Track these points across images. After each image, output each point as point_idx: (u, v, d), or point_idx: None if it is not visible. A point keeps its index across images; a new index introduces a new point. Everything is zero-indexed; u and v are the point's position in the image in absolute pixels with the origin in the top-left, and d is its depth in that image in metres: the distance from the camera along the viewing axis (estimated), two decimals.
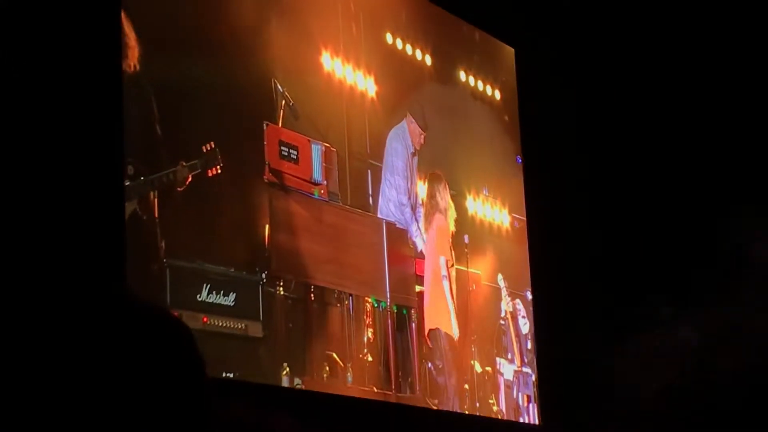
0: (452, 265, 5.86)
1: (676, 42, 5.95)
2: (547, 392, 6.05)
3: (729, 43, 5.86)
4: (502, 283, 6.30)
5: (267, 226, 4.82)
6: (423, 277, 5.74)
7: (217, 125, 4.55)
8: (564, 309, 6.15)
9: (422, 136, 5.69)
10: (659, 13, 5.97)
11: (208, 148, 4.60)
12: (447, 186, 5.85)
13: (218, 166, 4.60)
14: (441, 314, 5.69)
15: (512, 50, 6.29)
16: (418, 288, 5.73)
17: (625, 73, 6.14)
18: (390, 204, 5.59)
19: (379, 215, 5.52)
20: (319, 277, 5.06)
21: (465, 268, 6.07)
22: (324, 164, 5.00)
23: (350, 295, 5.17)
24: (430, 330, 5.65)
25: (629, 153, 6.10)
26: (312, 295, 4.94)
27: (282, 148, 4.81)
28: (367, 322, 5.15)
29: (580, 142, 6.24)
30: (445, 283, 5.83)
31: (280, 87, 4.85)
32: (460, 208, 6.11)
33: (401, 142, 5.58)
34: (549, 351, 6.07)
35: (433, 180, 5.86)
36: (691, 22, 5.90)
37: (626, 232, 6.13)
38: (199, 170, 4.55)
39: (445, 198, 5.92)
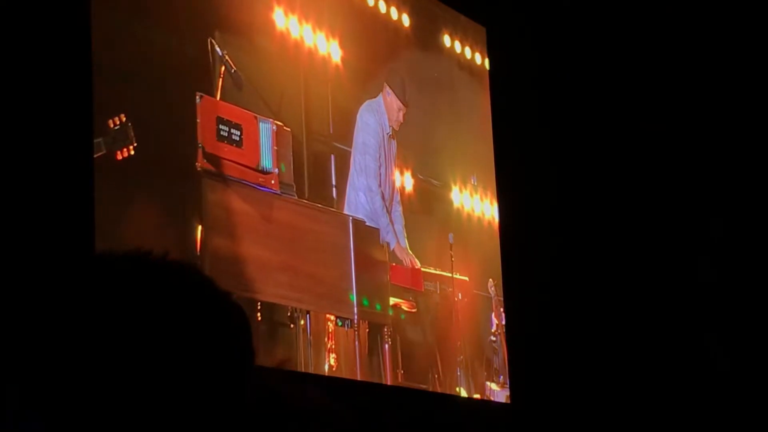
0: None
1: (658, 29, 5.81)
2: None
3: (711, 30, 5.77)
4: (492, 291, 5.52)
5: (199, 227, 4.02)
6: (400, 287, 4.95)
7: (132, 94, 3.81)
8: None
9: (401, 113, 5.05)
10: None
11: (117, 123, 3.59)
12: None
13: (130, 147, 3.60)
14: None
15: (483, 28, 5.72)
16: (393, 300, 4.90)
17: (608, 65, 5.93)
18: (359, 194, 4.81)
19: (346, 210, 4.74)
20: (267, 290, 4.20)
21: (450, 275, 5.27)
22: (275, 147, 4.33)
23: (308, 312, 4.45)
24: None
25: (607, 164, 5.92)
26: (258, 313, 4.21)
27: (220, 126, 4.12)
28: (329, 345, 4.47)
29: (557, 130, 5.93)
30: None
31: (218, 49, 4.15)
32: (445, 202, 5.38)
33: (374, 116, 4.92)
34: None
35: None
36: (670, 7, 5.74)
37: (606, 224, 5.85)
38: (104, 151, 3.61)
39: None
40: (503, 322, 5.57)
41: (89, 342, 1.04)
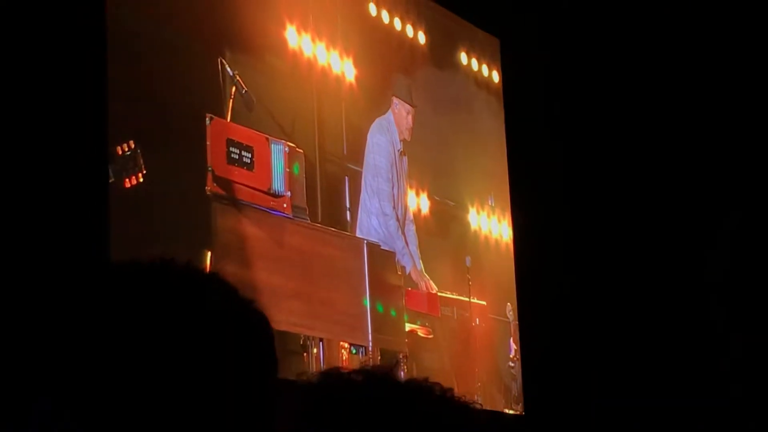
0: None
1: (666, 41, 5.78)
2: None
3: (729, 41, 5.69)
4: (510, 316, 5.38)
5: (209, 253, 3.88)
6: (416, 312, 4.80)
7: (141, 118, 3.67)
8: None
9: (410, 116, 4.90)
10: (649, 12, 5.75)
11: (125, 150, 3.46)
12: None
13: (139, 174, 3.46)
14: None
15: (497, 40, 5.62)
16: (409, 326, 4.74)
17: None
18: (372, 218, 4.67)
19: (358, 233, 4.59)
20: (279, 318, 4.03)
21: (467, 299, 5.14)
22: (287, 170, 4.21)
23: (320, 339, 4.30)
24: None
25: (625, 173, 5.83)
26: None
27: (231, 149, 4.00)
28: None
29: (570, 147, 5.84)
30: None
31: (229, 69, 4.03)
32: (461, 224, 5.25)
33: (385, 135, 4.78)
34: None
35: None
36: (681, 18, 5.71)
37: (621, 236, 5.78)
38: (113, 179, 3.50)
39: None
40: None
41: (115, 347, 1.06)
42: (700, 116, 5.70)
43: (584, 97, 5.85)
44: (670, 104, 5.75)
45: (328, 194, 4.45)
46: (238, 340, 1.11)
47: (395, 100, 4.89)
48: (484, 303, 5.23)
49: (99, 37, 3.53)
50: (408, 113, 4.90)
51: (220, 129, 3.97)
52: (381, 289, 4.62)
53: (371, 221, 4.65)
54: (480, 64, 5.51)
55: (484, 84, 5.54)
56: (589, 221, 5.81)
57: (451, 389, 1.34)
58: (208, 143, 3.90)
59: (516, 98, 5.60)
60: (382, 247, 4.67)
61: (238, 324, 1.11)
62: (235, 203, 3.99)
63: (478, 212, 5.34)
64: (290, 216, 4.22)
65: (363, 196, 4.64)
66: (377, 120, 4.79)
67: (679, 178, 5.72)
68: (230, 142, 4.01)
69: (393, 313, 4.68)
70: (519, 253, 5.47)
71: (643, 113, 5.79)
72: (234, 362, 1.09)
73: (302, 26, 4.40)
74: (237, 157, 4.02)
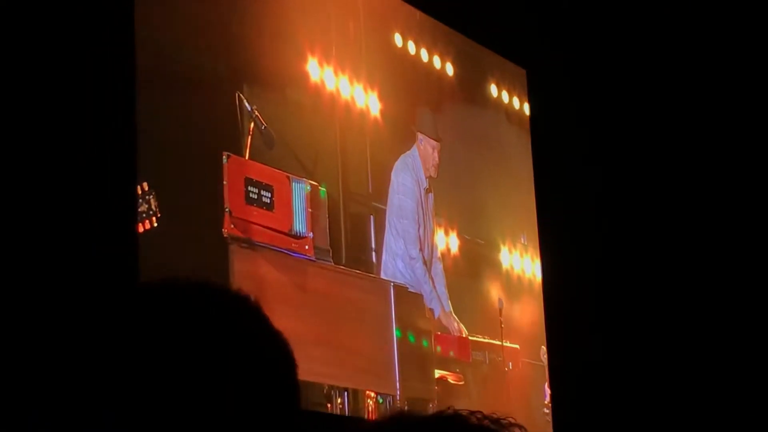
0: None
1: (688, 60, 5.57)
2: None
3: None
4: (545, 359, 5.17)
5: None
6: (446, 357, 4.61)
7: (155, 157, 3.50)
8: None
9: (436, 152, 4.71)
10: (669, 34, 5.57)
11: (139, 192, 3.27)
12: None
13: (154, 218, 3.27)
14: None
15: (523, 71, 5.42)
16: (439, 373, 4.55)
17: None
18: (397, 260, 4.47)
19: (382, 276, 4.39)
20: (302, 366, 3.63)
21: (499, 342, 4.93)
22: (309, 210, 4.03)
23: (345, 389, 4.11)
24: None
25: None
26: None
27: (249, 188, 3.84)
28: None
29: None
30: None
31: (247, 104, 3.86)
32: (493, 263, 5.05)
33: (410, 173, 4.59)
34: None
35: None
36: (714, 41, 5.51)
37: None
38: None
39: None
40: None
41: (145, 364, 1.09)
42: (742, 148, 5.51)
43: (616, 125, 5.67)
44: (710, 135, 5.55)
45: (352, 235, 4.26)
46: (265, 365, 1.15)
47: (420, 135, 4.69)
48: (517, 346, 5.01)
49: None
50: (434, 149, 4.71)
51: (238, 167, 3.79)
52: (409, 333, 4.42)
53: (397, 264, 4.46)
54: (511, 96, 5.31)
55: (516, 117, 5.34)
56: (625, 255, 5.59)
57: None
58: (225, 183, 3.71)
59: (543, 130, 5.43)
60: (409, 290, 4.48)
61: (266, 349, 1.16)
62: (253, 246, 3.80)
63: (510, 251, 5.14)
64: (313, 258, 4.04)
65: (387, 237, 4.44)
66: (401, 157, 4.59)
67: (722, 209, 5.52)
68: (249, 181, 3.83)
69: (421, 357, 4.48)
70: (548, 293, 5.28)
71: (678, 143, 5.60)
72: (258, 387, 1.13)
73: (324, 58, 4.21)
74: (256, 196, 3.84)
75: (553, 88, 5.44)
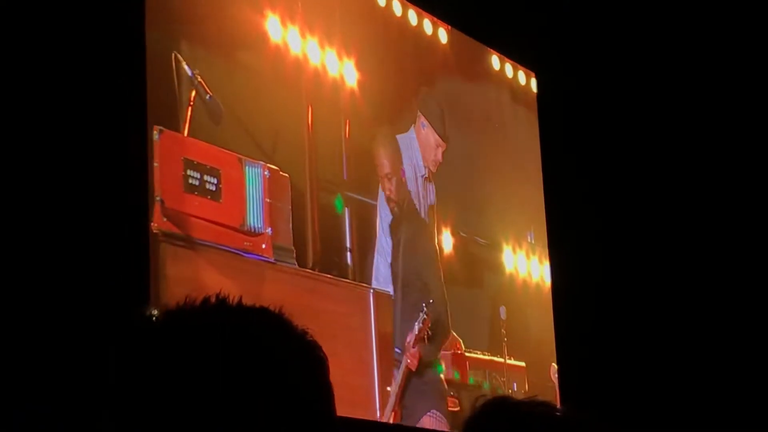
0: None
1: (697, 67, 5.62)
2: None
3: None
4: (555, 379, 4.88)
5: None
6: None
7: (62, 133, 3.13)
8: None
9: (440, 150, 4.41)
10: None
11: None
12: None
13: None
14: None
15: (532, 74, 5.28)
16: None
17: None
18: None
19: (374, 283, 4.06)
20: None
21: (502, 360, 4.61)
22: (267, 200, 3.66)
23: None
24: None
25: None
26: None
27: (189, 172, 3.41)
28: None
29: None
30: None
31: (187, 68, 3.43)
32: (494, 266, 4.72)
33: (407, 157, 4.25)
34: None
35: None
36: (726, 46, 5.56)
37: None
38: None
39: None
40: None
41: (176, 387, 1.14)
42: (749, 152, 5.47)
43: (628, 130, 5.60)
44: (720, 134, 5.52)
45: (322, 231, 3.88)
46: (298, 373, 1.19)
47: (423, 120, 4.36)
48: (522, 364, 4.73)
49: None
50: (438, 146, 4.43)
51: (174, 145, 3.37)
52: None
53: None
54: (515, 70, 4.95)
55: (522, 95, 4.99)
56: (643, 263, 5.45)
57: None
58: (156, 164, 3.28)
59: (553, 111, 5.26)
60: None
61: (296, 357, 1.20)
62: (193, 244, 3.38)
63: (514, 251, 4.84)
64: (271, 260, 3.67)
65: (378, 234, 4.06)
66: (397, 138, 4.25)
67: (734, 213, 5.46)
68: (188, 164, 3.42)
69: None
70: (558, 301, 5.11)
71: (692, 145, 5.54)
72: (295, 395, 1.17)
73: (288, 15, 3.81)
74: (197, 183, 3.44)
75: (561, 88, 5.34)
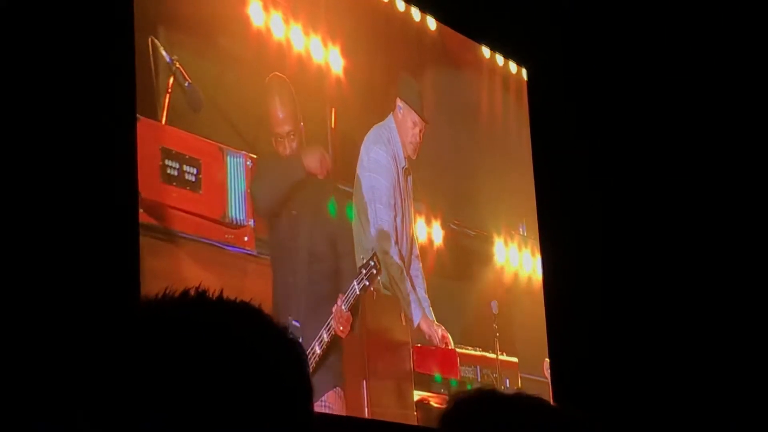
0: None
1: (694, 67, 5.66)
2: None
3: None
4: (549, 375, 4.83)
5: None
6: (428, 375, 4.20)
7: (40, 119, 3.04)
8: None
9: (418, 130, 4.29)
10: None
11: None
12: None
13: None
14: None
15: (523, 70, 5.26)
16: (419, 394, 4.12)
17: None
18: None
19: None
20: None
21: (493, 355, 4.52)
22: (249, 191, 3.60)
23: None
24: None
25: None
26: None
27: (167, 162, 3.34)
28: None
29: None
30: None
31: (165, 53, 3.37)
32: (485, 259, 4.64)
33: (385, 148, 4.17)
34: None
35: None
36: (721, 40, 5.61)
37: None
38: None
39: None
40: None
41: (157, 382, 1.13)
42: (747, 143, 5.46)
43: (619, 124, 5.59)
44: (713, 125, 5.53)
45: None
46: (278, 369, 1.19)
47: (399, 102, 4.23)
48: (515, 359, 4.66)
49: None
50: (415, 125, 4.28)
51: (151, 134, 3.29)
52: (380, 346, 3.94)
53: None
54: (507, 60, 4.88)
55: (514, 84, 4.92)
56: (638, 256, 5.43)
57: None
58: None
59: (543, 101, 5.22)
60: (382, 291, 3.99)
61: (276, 353, 1.19)
62: (172, 237, 3.31)
63: (506, 243, 4.76)
64: (254, 252, 3.61)
65: (356, 226, 3.96)
66: (374, 128, 4.14)
67: (727, 205, 5.47)
68: (166, 153, 3.35)
69: (396, 375, 4.03)
70: (551, 295, 5.06)
71: (685, 136, 5.55)
72: (276, 391, 1.17)
73: (271, 0, 3.71)
74: (176, 173, 3.36)
75: (552, 84, 5.32)
